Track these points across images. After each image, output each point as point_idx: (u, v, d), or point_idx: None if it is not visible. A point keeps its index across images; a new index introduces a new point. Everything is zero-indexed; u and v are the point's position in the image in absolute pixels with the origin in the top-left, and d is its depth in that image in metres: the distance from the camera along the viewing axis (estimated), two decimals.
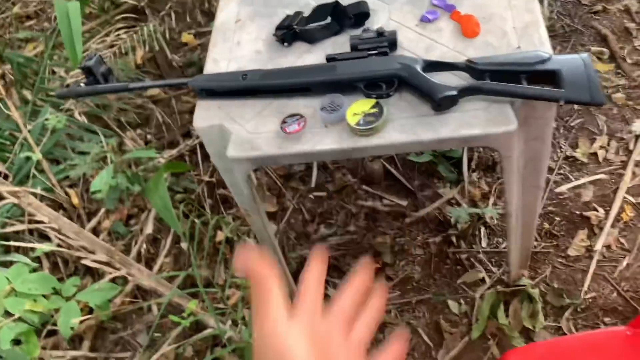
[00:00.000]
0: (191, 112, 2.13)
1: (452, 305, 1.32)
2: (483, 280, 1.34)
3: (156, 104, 2.05)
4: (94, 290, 1.40)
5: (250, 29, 1.07)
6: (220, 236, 1.60)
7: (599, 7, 1.81)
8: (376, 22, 1.00)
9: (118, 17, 2.13)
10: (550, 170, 1.47)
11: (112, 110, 1.92)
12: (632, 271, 1.28)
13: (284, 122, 0.90)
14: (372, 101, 0.87)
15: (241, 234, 1.58)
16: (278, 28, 1.02)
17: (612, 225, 1.35)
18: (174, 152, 1.84)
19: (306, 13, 1.03)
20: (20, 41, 2.36)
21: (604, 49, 1.70)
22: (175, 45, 2.24)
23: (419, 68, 0.86)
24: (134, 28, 2.09)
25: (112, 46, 1.97)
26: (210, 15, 2.21)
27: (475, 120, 0.82)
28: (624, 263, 1.29)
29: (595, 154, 1.50)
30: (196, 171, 1.78)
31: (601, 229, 1.35)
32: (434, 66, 0.88)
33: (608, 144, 1.50)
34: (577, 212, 1.40)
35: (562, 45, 1.76)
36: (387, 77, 0.88)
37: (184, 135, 1.94)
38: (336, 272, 1.46)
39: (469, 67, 0.85)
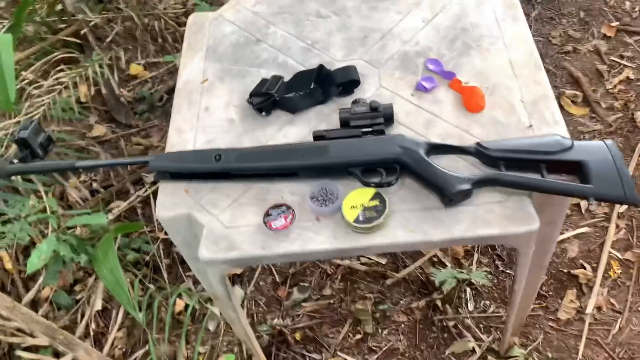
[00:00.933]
0: (143, 154, 1.94)
1: None
2: (473, 351, 1.24)
3: (102, 146, 1.85)
4: None
5: (220, 92, 0.93)
6: (180, 306, 1.43)
7: (569, 48, 1.78)
8: (366, 89, 0.88)
9: (57, 45, 1.91)
10: None
11: (51, 156, 1.70)
12: (626, 335, 1.23)
13: (267, 214, 0.76)
14: (372, 191, 0.75)
15: (204, 301, 1.42)
16: (254, 94, 0.88)
17: (601, 284, 1.30)
18: (123, 204, 1.64)
19: (286, 77, 0.90)
20: None
21: (578, 92, 1.67)
22: (123, 78, 2.04)
23: (422, 152, 0.75)
24: (76, 57, 1.88)
25: (57, 82, 1.75)
26: (163, 45, 2.03)
27: (492, 217, 0.72)
28: (617, 326, 1.24)
29: (578, 205, 1.45)
30: (149, 226, 1.60)
31: (590, 288, 1.29)
32: (438, 149, 0.77)
33: None
34: (565, 270, 1.34)
35: None
36: (387, 163, 0.76)
37: (134, 183, 1.75)
38: (313, 345, 1.32)
39: (480, 152, 0.74)
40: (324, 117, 0.86)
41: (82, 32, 1.93)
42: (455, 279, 1.31)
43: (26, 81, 1.76)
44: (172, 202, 0.80)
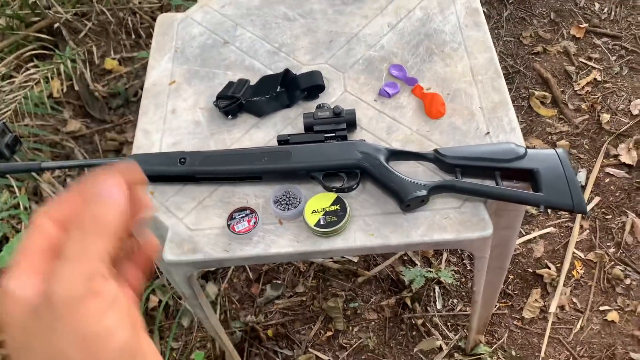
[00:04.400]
0: (117, 150, 1.93)
1: None
2: (440, 348, 1.27)
3: (76, 141, 1.84)
4: None
5: (187, 94, 0.93)
6: (154, 301, 1.43)
7: (539, 48, 1.82)
8: (331, 93, 0.90)
9: (30, 38, 1.89)
10: None
11: (25, 152, 1.69)
12: (586, 334, 1.27)
13: (231, 217, 0.77)
14: (333, 196, 0.76)
15: (178, 298, 1.43)
16: (220, 97, 0.89)
17: (565, 284, 1.33)
18: None
19: (251, 79, 0.91)
20: None
21: (547, 93, 1.70)
22: (97, 73, 2.02)
23: (382, 158, 0.76)
24: (50, 52, 1.85)
25: (29, 78, 1.73)
26: (137, 40, 2.02)
27: (448, 222, 0.74)
28: (578, 325, 1.28)
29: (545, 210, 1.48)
30: None
31: (554, 287, 1.33)
32: (398, 155, 0.78)
33: None
34: (530, 270, 1.38)
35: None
36: (348, 168, 0.77)
37: None
38: (285, 341, 1.34)
39: (438, 159, 0.76)
40: (290, 120, 0.88)
41: (54, 25, 1.90)
42: (424, 278, 1.34)
43: None
44: None
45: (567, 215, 1.46)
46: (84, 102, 1.91)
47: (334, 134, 0.80)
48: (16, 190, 1.56)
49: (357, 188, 0.77)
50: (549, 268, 1.37)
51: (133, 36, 1.97)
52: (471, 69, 0.89)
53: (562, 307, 1.31)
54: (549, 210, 1.47)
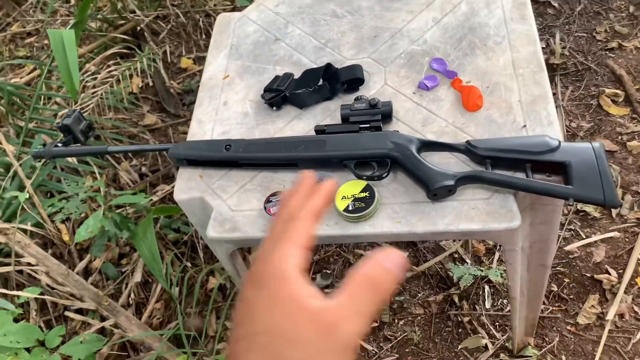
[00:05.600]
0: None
1: None
2: (486, 347, 1.25)
3: (152, 133, 2.00)
4: (78, 343, 1.35)
5: (238, 88, 1.00)
6: (213, 283, 1.53)
7: (614, 44, 1.71)
8: (371, 86, 0.93)
9: (117, 39, 2.08)
10: (560, 225, 1.38)
11: (107, 142, 1.87)
12: None
13: (268, 200, 0.83)
14: (363, 183, 0.79)
15: (234, 281, 1.52)
16: (266, 90, 0.95)
17: (626, 291, 1.26)
18: (167, 188, 1.78)
19: (297, 74, 0.96)
20: (20, 58, 2.32)
21: (619, 91, 1.61)
22: (173, 71, 2.18)
23: (414, 149, 0.78)
24: (132, 52, 2.03)
25: (109, 75, 1.91)
26: (209, 40, 2.15)
27: (475, 213, 0.74)
28: (638, 335, 1.20)
29: (609, 209, 1.41)
30: None
31: (614, 294, 1.26)
32: (430, 146, 0.80)
33: (622, 198, 1.41)
34: (588, 275, 1.32)
35: (574, 85, 1.67)
36: (379, 157, 0.80)
37: (179, 169, 1.88)
38: None
39: (469, 150, 0.77)
40: (330, 112, 0.92)
41: (138, 28, 2.08)
42: (472, 276, 1.33)
43: (88, 73, 1.94)
44: (187, 186, 0.89)
45: (633, 220, 1.37)
46: (160, 98, 2.07)
47: (368, 125, 0.83)
48: (98, 176, 1.73)
49: (387, 177, 0.80)
50: (610, 274, 1.30)
51: (205, 37, 2.11)
52: (513, 63, 0.88)
53: (621, 315, 1.24)
54: (612, 211, 1.39)
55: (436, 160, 0.79)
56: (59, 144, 0.96)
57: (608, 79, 1.65)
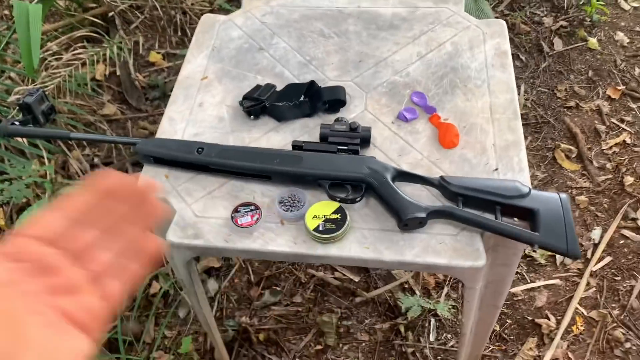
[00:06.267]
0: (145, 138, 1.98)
1: None
2: None
3: (109, 124, 1.92)
4: None
5: (216, 91, 0.98)
6: (155, 288, 1.47)
7: (572, 103, 1.82)
8: (352, 110, 0.93)
9: (85, 21, 1.99)
10: None
11: (60, 126, 1.77)
12: None
13: (236, 210, 0.81)
14: (335, 205, 0.79)
15: (180, 288, 1.46)
16: (246, 97, 0.93)
17: (562, 337, 1.31)
18: None
19: (279, 87, 0.95)
20: None
21: (573, 147, 1.70)
22: (141, 63, 2.11)
23: (389, 177, 0.79)
24: (99, 37, 1.95)
25: (75, 57, 1.82)
26: (183, 38, 2.11)
27: (442, 247, 0.75)
28: None
29: (553, 257, 1.47)
30: None
31: (551, 339, 1.31)
32: (405, 176, 0.81)
33: None
34: (529, 318, 1.36)
35: (532, 136, 1.76)
36: (354, 181, 0.80)
37: (133, 164, 1.81)
38: (275, 347, 1.36)
39: (442, 186, 0.78)
40: (308, 129, 0.91)
41: (109, 14, 2.01)
42: (420, 308, 1.34)
43: (49, 52, 1.84)
44: None
45: (575, 270, 1.44)
46: (124, 88, 2.00)
47: (346, 147, 0.83)
48: (46, 161, 1.64)
49: (360, 201, 0.80)
50: (549, 319, 1.35)
51: (179, 34, 2.07)
52: (490, 107, 0.91)
53: None
54: (557, 258, 1.46)
55: (409, 191, 0.79)
56: (16, 122, 0.90)
57: (564, 134, 1.74)
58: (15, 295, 0.30)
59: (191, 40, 1.07)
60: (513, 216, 0.77)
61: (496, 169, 0.83)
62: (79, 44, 1.89)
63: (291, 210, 0.79)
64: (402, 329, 1.35)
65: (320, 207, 0.79)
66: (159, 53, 2.11)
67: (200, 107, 0.96)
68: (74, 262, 0.33)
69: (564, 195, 0.75)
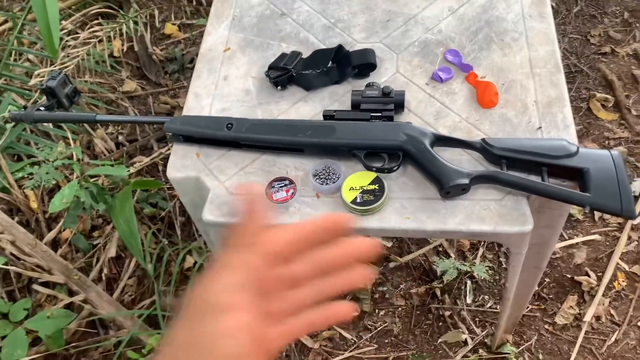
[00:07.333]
0: (169, 114, 1.97)
1: None
2: (465, 342, 1.26)
3: (131, 101, 1.90)
4: (45, 318, 1.28)
5: (240, 62, 0.95)
6: (189, 262, 1.48)
7: (607, 49, 1.73)
8: (382, 73, 0.89)
9: None
10: None
11: (82, 106, 1.76)
12: (621, 348, 1.22)
13: (270, 186, 0.79)
14: (372, 175, 0.76)
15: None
16: (271, 67, 0.90)
17: (604, 294, 1.29)
18: (146, 160, 1.70)
19: (305, 53, 0.91)
20: None
21: (609, 96, 1.62)
22: (157, 36, 2.07)
23: (427, 143, 0.75)
24: (113, 12, 1.92)
25: (92, 35, 1.80)
26: (198, 7, 2.05)
27: (487, 214, 0.73)
28: (613, 338, 1.24)
29: (591, 212, 1.43)
30: (168, 184, 1.65)
31: (592, 296, 1.29)
32: (444, 141, 0.77)
33: None
34: (569, 275, 1.34)
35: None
36: (390, 149, 0.77)
37: (158, 140, 1.80)
38: None
39: (484, 149, 0.75)
40: (338, 97, 0.88)
41: None
42: (456, 270, 1.33)
43: (65, 31, 1.82)
44: (182, 164, 0.84)
45: (614, 224, 1.40)
46: (142, 64, 1.97)
47: (380, 114, 0.80)
48: (71, 142, 1.64)
49: (398, 170, 0.77)
50: (589, 276, 1.32)
51: (194, 3, 2.01)
52: (530, 61, 0.86)
53: (598, 318, 1.27)
54: (595, 214, 1.41)
55: (449, 157, 0.76)
56: (41, 108, 0.89)
57: (599, 83, 1.66)
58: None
59: (207, 10, 1.03)
60: (560, 177, 0.73)
61: (539, 128, 0.79)
62: (95, 21, 1.86)
63: (327, 183, 0.77)
64: (438, 292, 1.34)
65: (357, 178, 0.76)
66: (174, 24, 2.06)
67: (225, 81, 0.93)
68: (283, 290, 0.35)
69: (615, 152, 0.71)
